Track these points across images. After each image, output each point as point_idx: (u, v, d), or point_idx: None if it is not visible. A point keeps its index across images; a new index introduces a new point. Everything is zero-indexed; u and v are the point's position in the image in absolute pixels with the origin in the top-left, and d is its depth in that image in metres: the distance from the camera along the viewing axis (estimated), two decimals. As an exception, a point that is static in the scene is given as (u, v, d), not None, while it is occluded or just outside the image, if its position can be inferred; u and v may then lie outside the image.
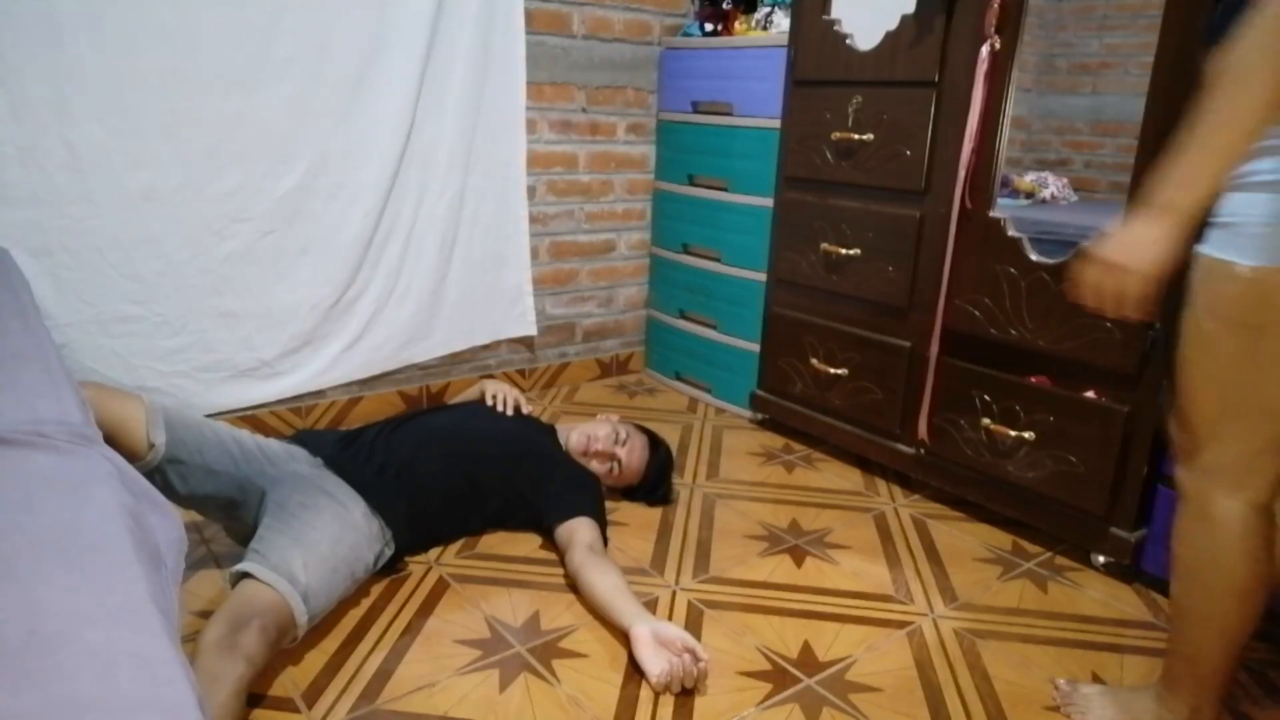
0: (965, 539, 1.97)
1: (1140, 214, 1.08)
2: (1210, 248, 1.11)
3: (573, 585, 1.67)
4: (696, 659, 1.39)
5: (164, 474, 1.57)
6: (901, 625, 1.63)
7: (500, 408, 2.00)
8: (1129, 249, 1.08)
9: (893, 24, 2.02)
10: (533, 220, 2.66)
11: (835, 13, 2.18)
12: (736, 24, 2.63)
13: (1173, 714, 1.28)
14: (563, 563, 1.72)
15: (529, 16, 2.46)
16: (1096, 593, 1.77)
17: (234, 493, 1.63)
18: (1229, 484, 1.16)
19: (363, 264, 2.32)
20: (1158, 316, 1.35)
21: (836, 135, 2.16)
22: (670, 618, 1.61)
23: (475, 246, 2.54)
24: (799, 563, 1.84)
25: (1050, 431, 1.82)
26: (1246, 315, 1.10)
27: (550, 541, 1.80)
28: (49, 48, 1.80)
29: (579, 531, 1.72)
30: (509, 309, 2.67)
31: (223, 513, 1.67)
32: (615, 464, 1.97)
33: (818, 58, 2.20)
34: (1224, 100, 1.00)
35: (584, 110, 2.69)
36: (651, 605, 1.64)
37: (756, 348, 2.54)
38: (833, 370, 2.27)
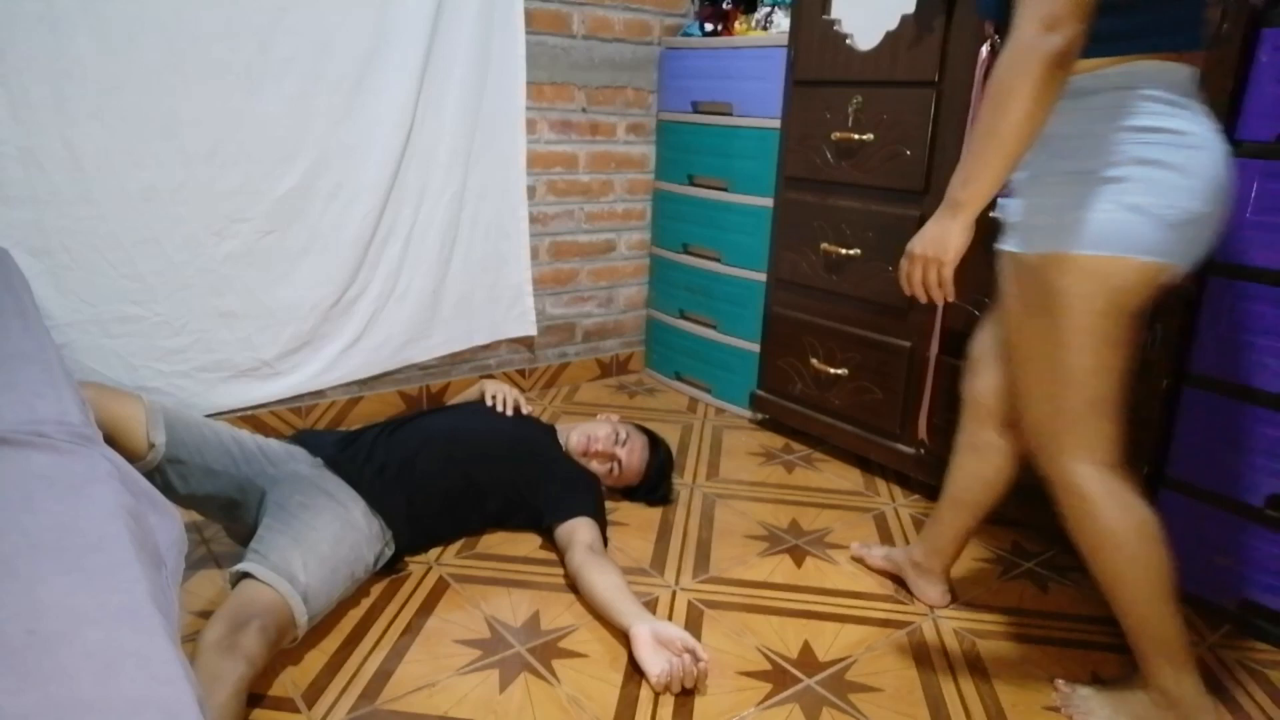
0: (965, 539, 1.97)
1: (939, 212, 1.23)
2: (1122, 249, 1.19)
3: (573, 585, 1.67)
4: (696, 659, 1.39)
5: (164, 474, 1.57)
6: (901, 625, 1.63)
7: (500, 408, 2.00)
8: (935, 243, 1.23)
9: (893, 24, 2.02)
10: (533, 220, 2.66)
11: (835, 13, 2.17)
12: (736, 24, 2.63)
13: (1162, 694, 1.34)
14: (563, 563, 1.72)
15: (529, 16, 2.46)
16: (1096, 593, 1.76)
17: (234, 493, 1.63)
18: (1079, 457, 1.30)
19: (363, 264, 2.32)
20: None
21: (836, 135, 2.16)
22: (670, 618, 1.61)
23: (475, 246, 2.54)
24: (799, 563, 1.84)
25: (1050, 431, 1.82)
26: (1034, 296, 1.27)
27: (550, 541, 1.80)
28: (49, 48, 1.80)
29: (579, 531, 1.72)
30: (509, 309, 2.67)
31: (223, 513, 1.67)
32: (615, 464, 1.97)
33: (818, 58, 2.20)
34: (990, 115, 1.14)
35: (584, 110, 2.69)
36: (651, 605, 1.64)
37: (756, 348, 2.54)
38: (833, 370, 2.26)
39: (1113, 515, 1.29)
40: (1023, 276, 1.29)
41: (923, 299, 1.30)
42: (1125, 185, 1.17)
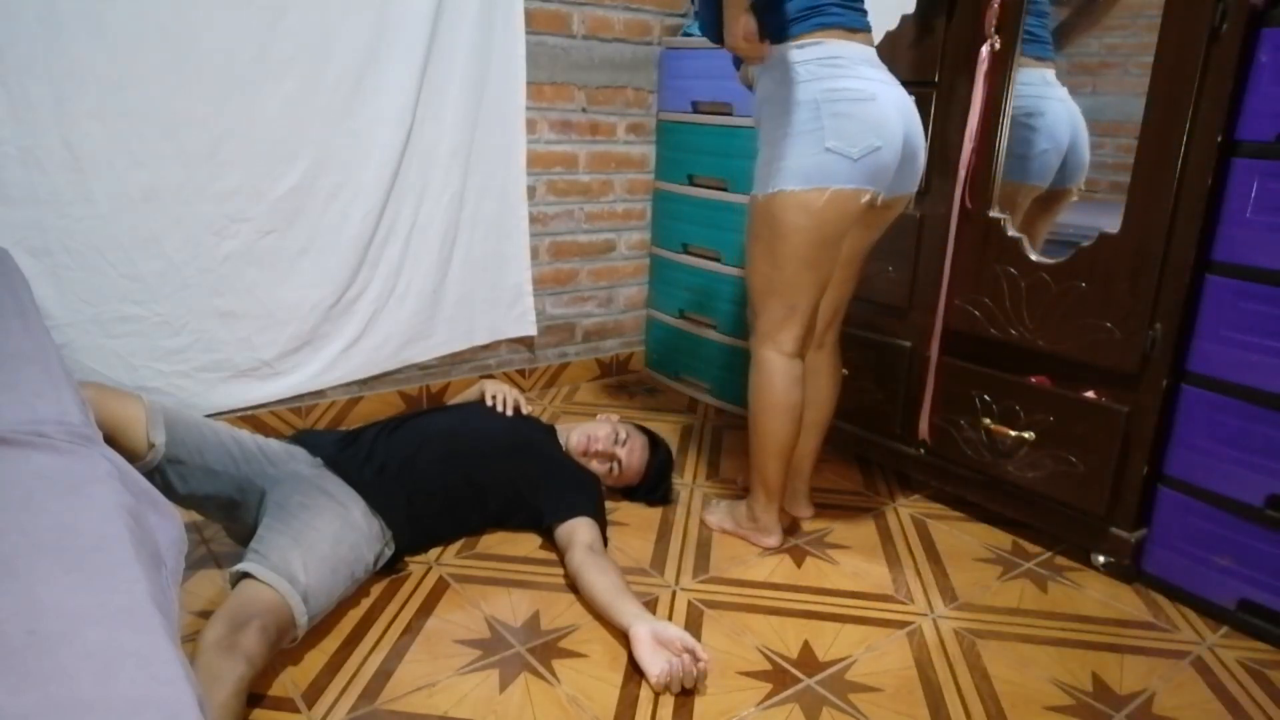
0: (965, 539, 1.97)
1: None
2: (818, 181, 1.58)
3: (573, 585, 1.67)
4: (696, 659, 1.39)
5: (164, 474, 1.57)
6: (901, 625, 1.63)
7: (500, 408, 2.00)
8: (736, 20, 1.60)
9: (893, 24, 2.02)
10: (533, 220, 2.66)
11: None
12: (736, 24, 2.62)
13: (753, 511, 1.88)
14: (563, 563, 1.72)
15: (529, 16, 2.46)
16: (1096, 593, 1.77)
17: (234, 493, 1.63)
18: (771, 346, 1.72)
19: (363, 264, 2.32)
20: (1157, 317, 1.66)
21: (836, 135, 2.16)
22: (670, 618, 1.61)
23: (475, 246, 2.54)
24: (799, 563, 1.84)
25: (1050, 431, 1.82)
26: (762, 228, 1.66)
27: (550, 541, 1.80)
28: (49, 48, 1.80)
29: (579, 531, 1.72)
30: (509, 309, 2.67)
31: (223, 513, 1.67)
32: (615, 464, 1.97)
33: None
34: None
35: (584, 110, 2.69)
36: (651, 605, 1.64)
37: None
38: (833, 370, 2.26)
39: (778, 391, 1.73)
40: (756, 213, 1.66)
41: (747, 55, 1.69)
42: (819, 133, 1.55)
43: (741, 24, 1.59)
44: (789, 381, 1.73)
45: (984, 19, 1.81)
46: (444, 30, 2.30)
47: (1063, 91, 2.00)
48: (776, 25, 1.59)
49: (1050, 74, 1.97)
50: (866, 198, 1.59)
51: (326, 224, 2.23)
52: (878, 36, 2.04)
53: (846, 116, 1.54)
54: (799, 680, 1.46)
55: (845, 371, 2.23)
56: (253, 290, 2.16)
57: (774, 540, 1.89)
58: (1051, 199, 2.00)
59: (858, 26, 1.61)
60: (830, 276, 1.72)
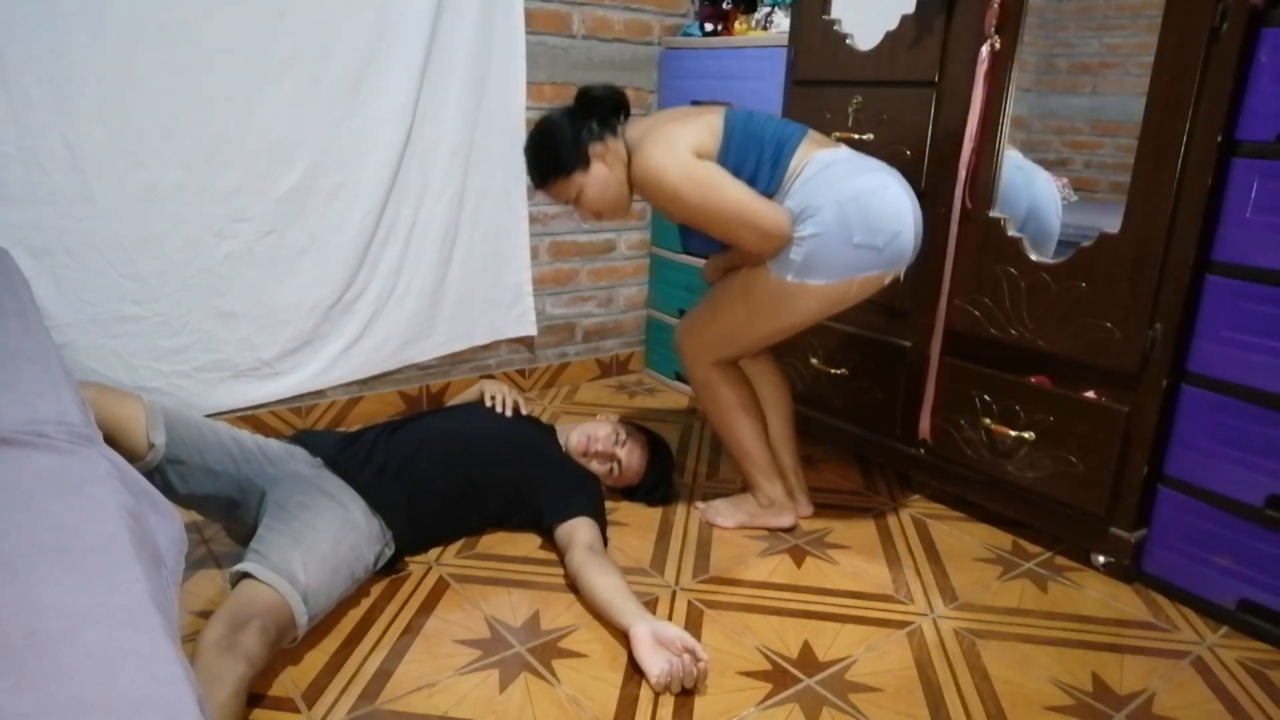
0: (965, 539, 1.97)
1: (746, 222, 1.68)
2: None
3: (573, 585, 1.67)
4: (696, 659, 1.39)
5: (164, 474, 1.57)
6: (901, 625, 1.63)
7: (499, 408, 2.00)
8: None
9: (893, 24, 2.02)
10: (533, 220, 2.66)
11: (835, 13, 2.17)
12: (736, 24, 2.63)
13: (763, 495, 1.96)
14: (563, 563, 1.72)
15: (529, 16, 2.46)
16: (1096, 593, 1.77)
17: (234, 493, 1.63)
18: (708, 365, 1.87)
19: (363, 264, 2.32)
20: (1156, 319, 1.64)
21: (836, 135, 2.15)
22: (670, 618, 1.61)
23: (475, 246, 2.54)
24: (799, 563, 1.84)
25: (1050, 431, 1.82)
26: (768, 302, 1.75)
27: (550, 542, 1.80)
28: (49, 48, 1.80)
29: (579, 531, 1.72)
30: (509, 309, 2.67)
31: (223, 513, 1.67)
32: (615, 464, 1.97)
33: (818, 58, 2.20)
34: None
35: (584, 110, 2.68)
36: (651, 605, 1.64)
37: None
38: (833, 370, 2.26)
39: (726, 391, 1.88)
40: (768, 288, 1.72)
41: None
42: (846, 232, 1.63)
43: (776, 213, 1.64)
44: (735, 382, 1.90)
45: (984, 19, 1.81)
46: (444, 30, 2.30)
47: (1022, 160, 1.99)
48: (767, 176, 1.68)
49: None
50: (890, 278, 1.73)
51: (326, 224, 2.23)
52: (878, 37, 2.06)
53: (865, 212, 1.64)
54: (799, 680, 1.46)
55: (845, 372, 2.24)
56: (253, 290, 2.16)
57: (790, 518, 1.95)
58: None
59: (814, 135, 1.76)
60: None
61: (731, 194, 1.63)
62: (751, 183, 1.67)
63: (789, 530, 1.96)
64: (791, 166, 1.68)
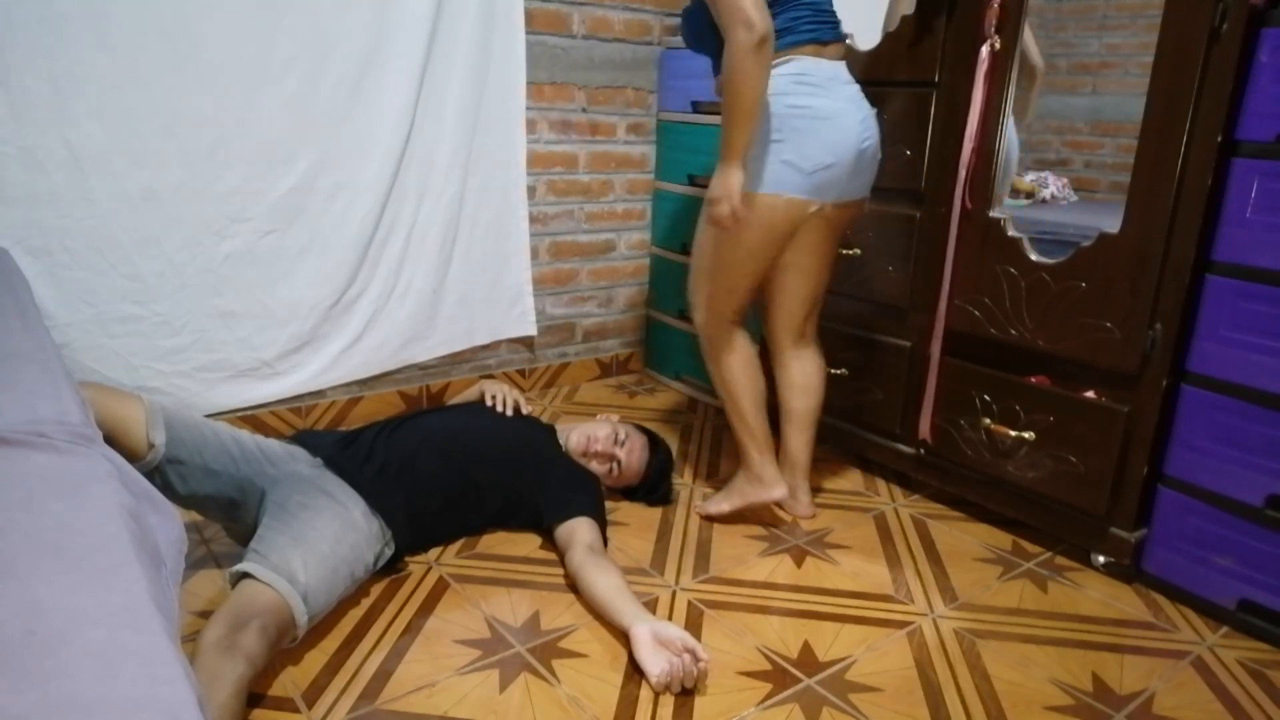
0: (965, 539, 1.97)
1: (720, 169, 1.66)
2: (776, 188, 1.72)
3: (573, 585, 1.67)
4: (696, 659, 1.39)
5: (164, 474, 1.57)
6: (901, 625, 1.63)
7: (500, 408, 2.00)
8: (725, 186, 1.66)
9: (893, 24, 2.02)
10: (533, 220, 2.66)
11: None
12: (736, 24, 2.62)
13: (752, 471, 1.95)
14: (563, 563, 1.72)
15: (529, 16, 2.46)
16: (1096, 593, 1.77)
17: (234, 493, 1.63)
18: (711, 319, 1.89)
19: (363, 264, 2.32)
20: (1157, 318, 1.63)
21: (836, 135, 2.15)
22: (670, 618, 1.61)
23: (475, 246, 2.54)
24: (799, 563, 1.84)
25: (1050, 431, 1.82)
26: (772, 226, 1.76)
27: (550, 541, 1.80)
28: (49, 48, 1.80)
29: (579, 531, 1.72)
30: (509, 309, 2.67)
31: (223, 513, 1.67)
32: (615, 464, 1.97)
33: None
34: (730, 102, 1.59)
35: (584, 110, 2.69)
36: (651, 605, 1.64)
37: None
38: (833, 370, 2.26)
39: (735, 351, 1.90)
40: (725, 205, 1.72)
41: (730, 227, 1.71)
42: (781, 145, 1.68)
43: (763, 13, 1.55)
44: (739, 341, 1.91)
45: (984, 19, 1.81)
46: (444, 30, 2.30)
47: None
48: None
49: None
50: (815, 208, 1.75)
51: (326, 224, 2.23)
52: (878, 37, 2.05)
53: (804, 133, 1.68)
54: (799, 680, 1.46)
55: (845, 372, 2.24)
56: (253, 290, 2.16)
57: (781, 491, 1.94)
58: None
59: (828, 39, 1.72)
60: (768, 268, 1.85)
61: None
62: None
63: (780, 504, 1.99)
64: (773, 50, 1.60)
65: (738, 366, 1.91)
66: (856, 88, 1.76)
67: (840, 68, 1.74)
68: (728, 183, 1.65)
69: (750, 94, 1.57)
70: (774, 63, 1.64)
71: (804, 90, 1.68)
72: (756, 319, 2.04)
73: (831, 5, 1.75)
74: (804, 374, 1.98)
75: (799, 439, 1.99)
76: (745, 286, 1.85)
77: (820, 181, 1.71)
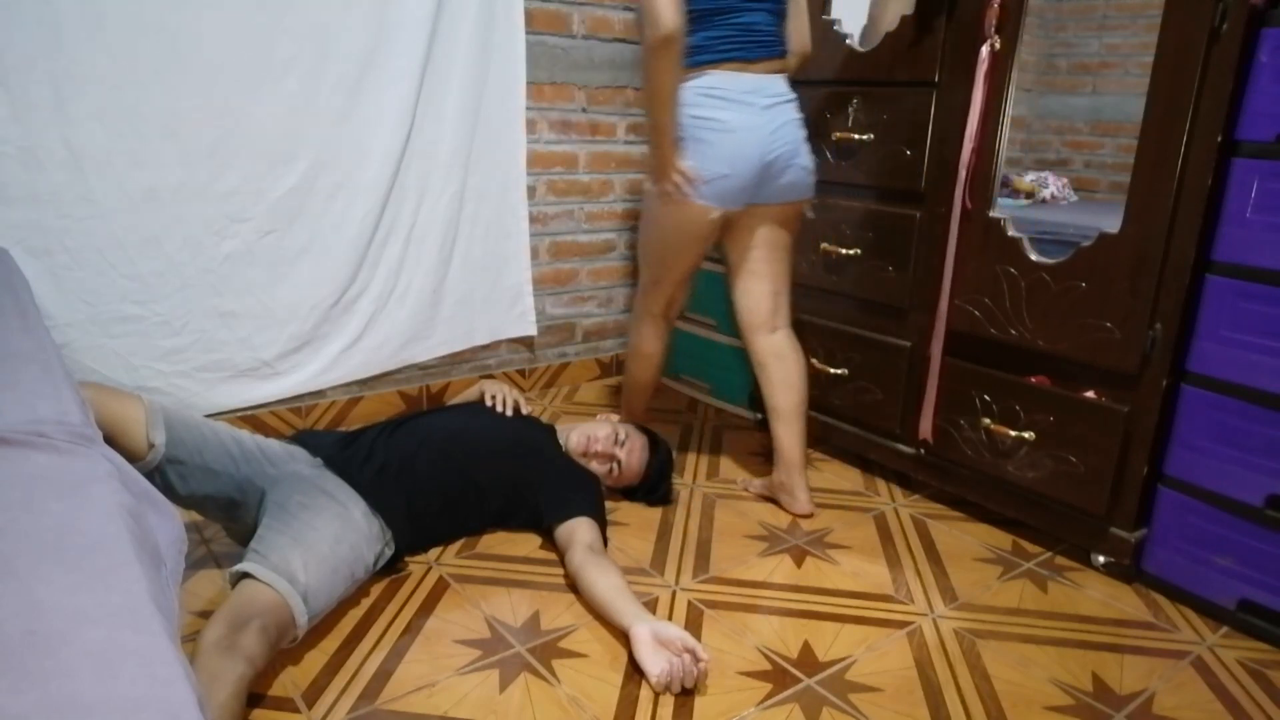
0: (965, 539, 1.97)
1: (651, 152, 1.81)
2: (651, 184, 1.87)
3: (573, 585, 1.67)
4: (696, 659, 1.39)
5: (164, 474, 1.57)
6: (901, 625, 1.63)
7: (500, 408, 2.00)
8: (661, 163, 1.79)
9: (892, 24, 2.02)
10: (533, 220, 2.66)
11: (835, 13, 2.17)
12: (736, 24, 2.62)
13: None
14: (563, 563, 1.72)
15: (529, 16, 2.46)
16: (1096, 593, 1.77)
17: (234, 493, 1.63)
18: (642, 311, 2.11)
19: (363, 264, 2.32)
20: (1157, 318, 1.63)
21: (836, 135, 2.16)
22: (670, 618, 1.61)
23: (475, 246, 2.54)
24: (799, 563, 1.84)
25: (1050, 431, 1.82)
26: (645, 209, 1.97)
27: (550, 541, 1.80)
28: (49, 48, 1.80)
29: (579, 531, 1.72)
30: (509, 309, 2.67)
31: (223, 513, 1.67)
32: (615, 464, 1.97)
33: (818, 58, 2.20)
34: (646, 91, 1.74)
35: (584, 110, 2.69)
36: (651, 605, 1.64)
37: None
38: (833, 370, 2.26)
39: (645, 345, 2.13)
40: (648, 203, 1.94)
41: (682, 198, 1.81)
42: (685, 154, 1.78)
43: (671, 12, 1.63)
44: (651, 335, 2.12)
45: (984, 19, 1.81)
46: (444, 30, 2.30)
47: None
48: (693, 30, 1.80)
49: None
50: (715, 214, 1.85)
51: (326, 224, 2.23)
52: (878, 37, 2.05)
53: (705, 143, 1.78)
54: (799, 680, 1.46)
55: (845, 372, 2.24)
56: (253, 290, 2.16)
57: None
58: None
59: (754, 57, 1.80)
60: (696, 265, 2.03)
61: None
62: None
63: (779, 503, 2.09)
64: (688, 65, 1.74)
65: (639, 356, 2.16)
66: (782, 100, 1.83)
67: (766, 81, 1.81)
68: (661, 158, 1.78)
69: (658, 83, 1.69)
70: (687, 76, 1.75)
71: (711, 103, 1.77)
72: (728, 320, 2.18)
73: (773, 26, 1.83)
74: (783, 370, 2.02)
75: (789, 435, 2.02)
76: (669, 281, 2.02)
77: (719, 190, 1.81)
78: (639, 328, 2.13)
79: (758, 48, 1.81)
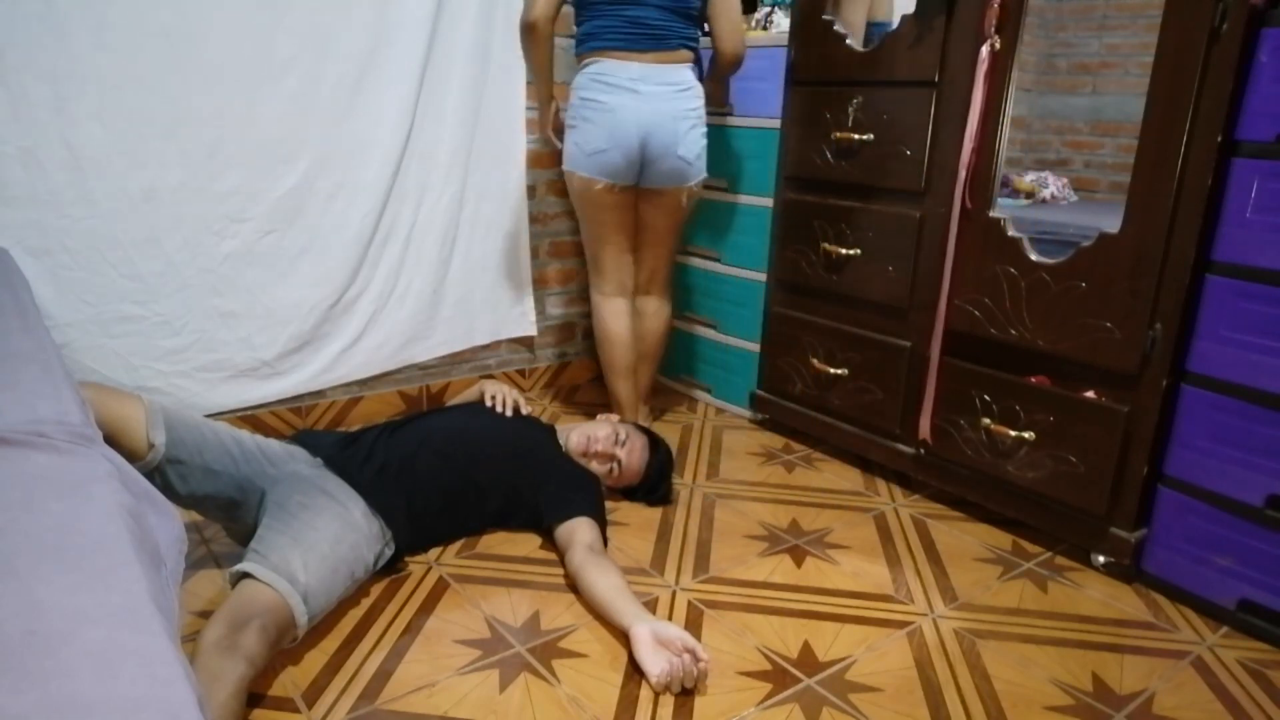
0: (965, 539, 1.97)
1: (540, 110, 2.28)
2: (569, 166, 2.15)
3: (573, 585, 1.67)
4: (696, 659, 1.39)
5: (164, 474, 1.57)
6: (901, 625, 1.63)
7: (499, 408, 2.00)
8: (541, 120, 2.31)
9: (893, 24, 2.02)
10: (533, 220, 2.66)
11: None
12: (736, 24, 2.62)
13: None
14: (563, 563, 1.72)
15: (529, 16, 2.45)
16: (1096, 593, 1.77)
17: (234, 493, 1.63)
18: (594, 288, 2.32)
19: (363, 264, 2.32)
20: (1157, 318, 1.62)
21: (836, 135, 2.16)
22: (670, 618, 1.61)
23: (475, 246, 2.54)
24: (799, 563, 1.84)
25: (1050, 431, 1.82)
26: (582, 200, 2.19)
27: (550, 542, 1.80)
28: (49, 48, 1.80)
29: (579, 531, 1.72)
30: (509, 309, 2.67)
31: (223, 513, 1.67)
32: (615, 464, 1.97)
33: (818, 58, 2.20)
34: (528, 63, 2.24)
35: (584, 110, 2.68)
36: (651, 605, 1.64)
37: (756, 348, 2.53)
38: (833, 370, 2.26)
39: (604, 323, 2.30)
40: (574, 184, 2.17)
41: (552, 145, 2.29)
42: (574, 130, 2.10)
43: (534, 8, 2.01)
44: (610, 315, 2.29)
45: (984, 19, 1.81)
46: (444, 30, 2.30)
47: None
48: (578, 42, 2.11)
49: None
50: (600, 185, 2.10)
51: (326, 224, 2.23)
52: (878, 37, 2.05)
53: (589, 121, 2.05)
54: (799, 680, 1.46)
55: (845, 372, 2.24)
56: (253, 290, 2.16)
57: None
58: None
59: (645, 48, 2.03)
60: (626, 243, 2.25)
61: None
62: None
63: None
64: (579, 52, 2.10)
65: (600, 341, 2.32)
66: (673, 90, 2.05)
67: (655, 70, 2.03)
68: (540, 118, 2.30)
69: (527, 61, 2.20)
70: (583, 61, 2.07)
71: (597, 86, 2.03)
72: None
73: (665, 20, 2.02)
74: (642, 324, 2.36)
75: (641, 373, 2.38)
76: (602, 257, 2.25)
77: (601, 163, 2.06)
78: (594, 310, 2.32)
79: (646, 39, 2.02)
